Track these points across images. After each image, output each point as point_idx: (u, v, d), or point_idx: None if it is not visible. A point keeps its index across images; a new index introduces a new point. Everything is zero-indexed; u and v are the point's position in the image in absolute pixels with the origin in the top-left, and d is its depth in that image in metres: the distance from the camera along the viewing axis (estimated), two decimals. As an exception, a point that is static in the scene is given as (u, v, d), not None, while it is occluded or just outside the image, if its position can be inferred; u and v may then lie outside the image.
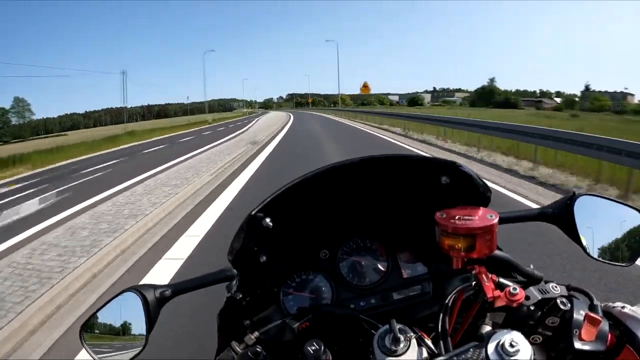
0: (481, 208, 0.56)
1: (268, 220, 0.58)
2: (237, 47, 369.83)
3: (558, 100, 65.85)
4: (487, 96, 63.01)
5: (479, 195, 0.60)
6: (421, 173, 0.62)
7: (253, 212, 0.57)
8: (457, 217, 0.53)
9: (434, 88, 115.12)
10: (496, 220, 0.52)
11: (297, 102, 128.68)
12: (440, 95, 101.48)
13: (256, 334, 0.57)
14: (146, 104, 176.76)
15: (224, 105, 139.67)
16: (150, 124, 52.68)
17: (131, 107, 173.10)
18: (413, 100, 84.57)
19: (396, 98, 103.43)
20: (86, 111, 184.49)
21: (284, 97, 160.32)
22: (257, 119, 36.49)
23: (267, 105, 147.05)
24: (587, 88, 57.71)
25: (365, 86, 28.87)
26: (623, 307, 0.51)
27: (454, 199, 0.59)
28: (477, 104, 60.21)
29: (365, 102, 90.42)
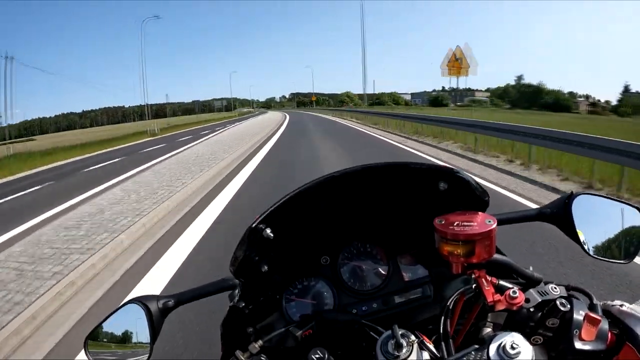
0: (480, 213, 0.56)
1: (269, 231, 0.59)
2: (238, 46, 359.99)
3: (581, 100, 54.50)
4: (532, 97, 51.59)
5: (478, 199, 0.60)
6: (419, 179, 0.63)
7: (254, 225, 0.58)
8: (455, 224, 0.53)
9: (443, 87, 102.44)
10: (495, 226, 0.53)
11: (299, 101, 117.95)
12: (456, 95, 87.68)
13: (260, 342, 0.57)
14: (143, 103, 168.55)
15: (226, 106, 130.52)
16: (55, 138, 40.29)
17: (129, 107, 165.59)
18: (436, 100, 66.43)
19: (407, 97, 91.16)
20: (83, 110, 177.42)
21: (287, 96, 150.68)
22: (238, 124, 28.68)
23: (269, 104, 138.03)
24: (626, 89, 46.53)
25: (455, 60, 12.98)
26: (622, 306, 0.51)
27: (453, 203, 0.59)
28: (519, 105, 48.70)
29: (378, 101, 77.17)
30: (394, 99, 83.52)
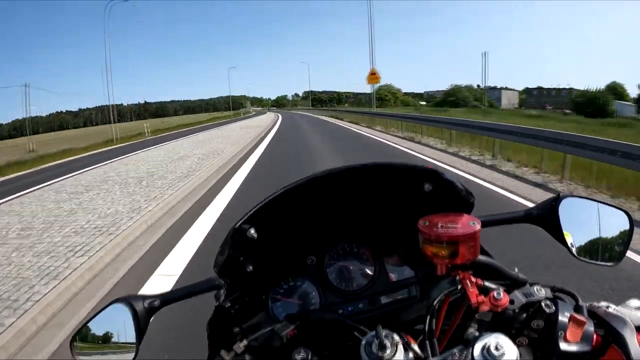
0: (464, 215, 0.57)
1: (252, 231, 0.59)
2: (247, 43, 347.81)
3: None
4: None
5: (463, 201, 0.61)
6: (404, 180, 0.64)
7: (237, 225, 0.58)
8: (439, 225, 0.54)
9: (478, 86, 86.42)
10: (478, 227, 0.54)
11: (315, 98, 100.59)
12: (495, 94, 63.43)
13: (245, 342, 0.57)
14: (142, 102, 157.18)
15: (231, 104, 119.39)
16: None
17: (127, 105, 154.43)
18: (592, 101, 34.37)
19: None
20: (79, 109, 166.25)
21: (300, 94, 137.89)
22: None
23: (280, 103, 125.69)
24: None
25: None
26: (608, 307, 0.52)
27: (438, 204, 0.60)
28: None
29: (452, 100, 47.94)
30: (477, 96, 49.47)
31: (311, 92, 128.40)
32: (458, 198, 0.60)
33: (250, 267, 0.63)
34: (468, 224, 0.54)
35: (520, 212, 0.64)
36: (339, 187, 0.63)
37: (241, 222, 0.58)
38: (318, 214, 0.67)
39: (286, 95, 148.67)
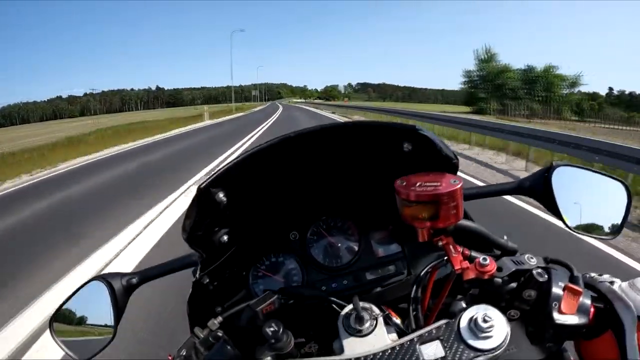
0: (445, 174, 0.53)
1: (221, 195, 0.55)
2: (304, 32, 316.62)
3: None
4: None
5: (446, 162, 0.57)
6: (382, 140, 0.60)
7: (202, 185, 0.54)
8: (417, 184, 0.50)
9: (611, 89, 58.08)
10: (460, 185, 0.50)
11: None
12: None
13: (220, 318, 0.57)
14: (154, 87, 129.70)
15: (265, 94, 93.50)
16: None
17: (137, 90, 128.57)
18: None
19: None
20: (85, 93, 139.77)
21: (353, 85, 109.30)
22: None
23: (331, 94, 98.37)
24: None
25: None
26: (612, 283, 0.48)
27: (420, 167, 0.56)
28: None
29: None
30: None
31: (365, 85, 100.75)
32: (440, 158, 0.56)
33: (225, 238, 0.60)
34: (448, 182, 0.50)
35: (511, 183, 0.62)
36: (315, 148, 0.59)
37: (207, 183, 0.53)
38: (296, 182, 0.63)
39: (337, 86, 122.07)
